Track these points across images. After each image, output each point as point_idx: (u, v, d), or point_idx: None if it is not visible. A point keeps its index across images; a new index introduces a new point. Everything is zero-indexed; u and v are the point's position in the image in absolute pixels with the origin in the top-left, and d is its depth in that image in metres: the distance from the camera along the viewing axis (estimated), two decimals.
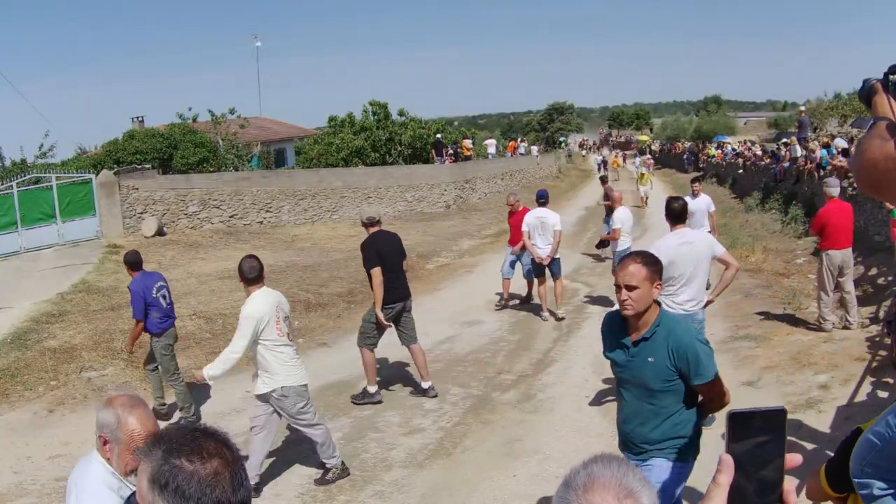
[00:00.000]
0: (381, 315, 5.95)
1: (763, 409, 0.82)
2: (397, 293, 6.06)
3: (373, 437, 5.66)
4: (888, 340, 6.22)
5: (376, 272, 5.86)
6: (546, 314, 9.06)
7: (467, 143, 26.62)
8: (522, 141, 37.67)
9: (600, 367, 7.07)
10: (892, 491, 1.59)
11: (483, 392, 6.60)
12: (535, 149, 35.82)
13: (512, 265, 9.62)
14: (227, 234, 16.47)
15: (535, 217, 9.00)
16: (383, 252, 5.92)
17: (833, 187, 7.43)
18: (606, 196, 13.13)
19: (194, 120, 22.51)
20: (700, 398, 2.91)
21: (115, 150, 20.02)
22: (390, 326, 6.17)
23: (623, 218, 9.40)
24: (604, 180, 15.26)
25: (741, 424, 0.81)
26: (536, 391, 6.53)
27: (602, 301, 10.07)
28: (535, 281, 9.31)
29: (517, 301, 9.94)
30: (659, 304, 2.87)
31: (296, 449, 5.50)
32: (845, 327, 7.35)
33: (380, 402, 6.32)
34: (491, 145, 29.95)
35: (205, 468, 1.21)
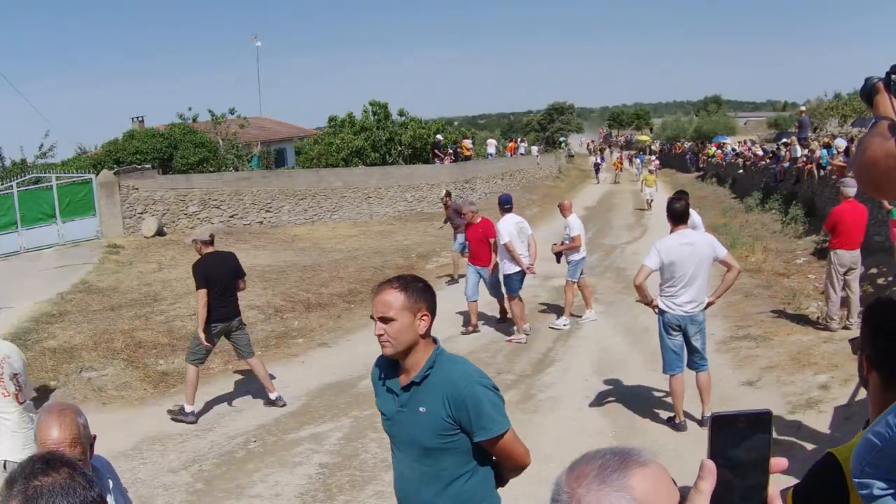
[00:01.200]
0: (202, 336, 6.16)
1: (747, 411, 0.79)
2: (222, 313, 6.22)
3: (373, 438, 5.65)
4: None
5: (201, 294, 6.09)
6: (527, 330, 8.27)
7: (467, 143, 26.63)
8: (522, 141, 37.61)
9: (600, 367, 7.08)
10: (892, 491, 1.58)
11: None
12: (535, 149, 35.80)
13: (477, 285, 8.63)
14: (227, 234, 16.47)
15: (514, 224, 8.17)
16: (211, 274, 6.13)
17: (850, 187, 7.41)
18: (458, 213, 10.54)
19: (194, 120, 22.53)
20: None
21: (115, 150, 20.04)
22: (211, 346, 6.24)
23: (578, 225, 8.89)
24: (448, 195, 12.23)
25: (724, 427, 0.78)
26: (536, 391, 6.53)
27: (602, 301, 10.07)
28: (508, 296, 8.32)
29: (478, 324, 8.81)
30: (436, 341, 2.31)
31: (295, 450, 5.50)
32: (845, 327, 7.35)
33: (194, 422, 6.15)
34: (490, 145, 30.00)
35: (60, 476, 1.31)
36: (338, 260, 13.37)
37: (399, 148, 23.27)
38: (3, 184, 15.26)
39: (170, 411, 6.27)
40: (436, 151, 23.49)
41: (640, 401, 6.04)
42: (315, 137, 25.42)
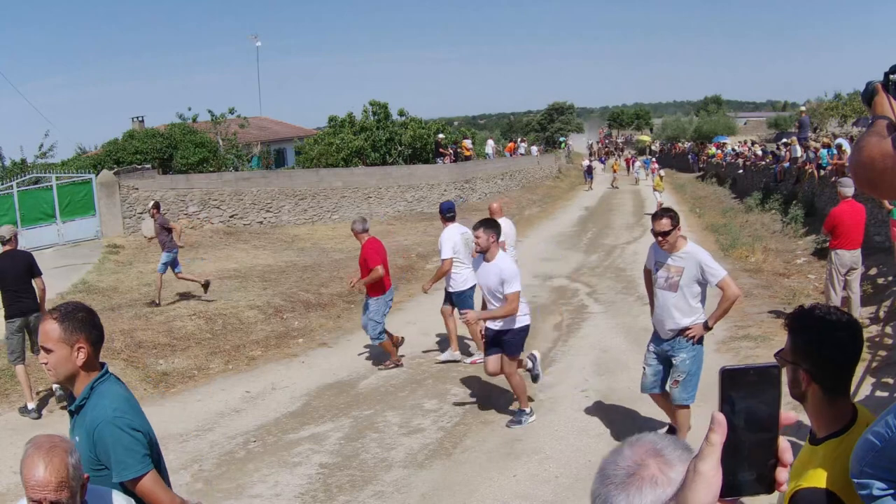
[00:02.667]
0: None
1: (756, 364, 0.82)
2: (18, 308, 6.47)
3: (373, 437, 5.66)
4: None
5: None
6: (472, 354, 7.52)
7: (467, 143, 26.68)
8: (523, 141, 37.65)
9: (600, 368, 7.07)
10: (892, 491, 1.58)
11: (483, 392, 6.60)
12: (534, 149, 35.80)
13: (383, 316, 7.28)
14: (227, 234, 16.47)
15: (460, 234, 7.32)
16: (5, 269, 6.43)
17: (847, 187, 7.41)
18: (165, 229, 10.06)
19: (194, 120, 22.55)
20: None
21: (115, 150, 20.04)
22: (19, 340, 6.47)
23: (505, 230, 8.14)
24: (156, 207, 10.55)
25: (734, 381, 0.80)
26: (536, 391, 6.53)
27: (603, 301, 10.08)
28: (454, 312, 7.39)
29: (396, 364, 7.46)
30: (102, 366, 2.25)
31: (295, 450, 5.51)
32: None
33: (38, 417, 6.32)
34: (488, 145, 30.16)
35: None
36: (338, 260, 13.37)
37: (399, 148, 23.28)
38: (3, 184, 15.26)
39: (20, 409, 6.45)
40: (440, 150, 23.55)
41: (640, 401, 6.03)
42: (315, 137, 25.42)
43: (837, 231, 7.37)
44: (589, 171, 32.27)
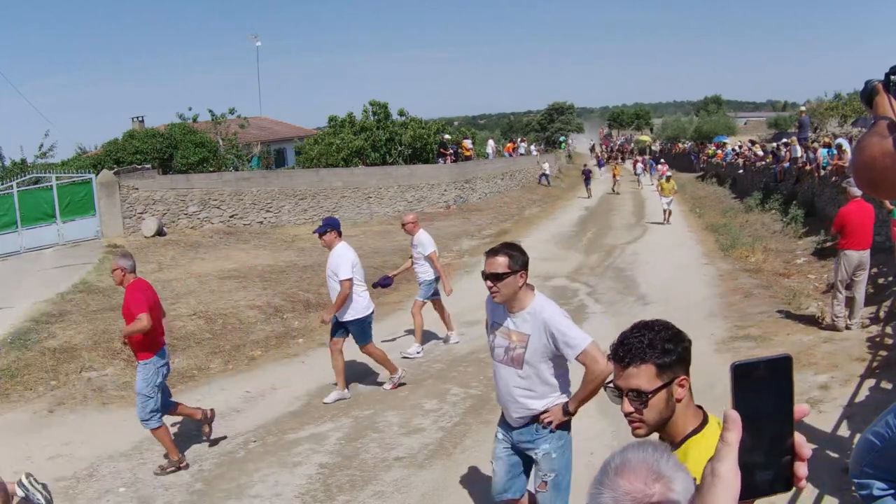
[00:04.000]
0: None
1: (766, 357, 0.78)
2: None
3: (373, 437, 5.66)
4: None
5: None
6: (401, 376, 6.79)
7: (467, 143, 26.71)
8: (523, 141, 37.64)
9: None
10: (892, 491, 1.58)
11: (483, 392, 6.59)
12: (534, 148, 35.80)
13: (166, 399, 5.25)
14: (227, 234, 16.48)
15: (354, 254, 6.31)
16: None
17: (856, 186, 7.41)
18: None
19: (194, 120, 22.57)
20: None
21: (115, 150, 20.05)
22: None
23: (430, 240, 7.73)
24: None
25: (745, 376, 0.78)
26: None
27: (602, 301, 10.08)
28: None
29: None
30: None
31: (295, 450, 5.51)
32: (846, 327, 7.35)
33: None
34: (489, 145, 30.21)
35: None
36: None
37: (399, 148, 23.28)
38: (3, 184, 15.26)
39: None
40: (441, 150, 23.58)
41: None
42: (315, 137, 25.41)
43: (846, 231, 7.36)
44: (588, 177, 28.97)
